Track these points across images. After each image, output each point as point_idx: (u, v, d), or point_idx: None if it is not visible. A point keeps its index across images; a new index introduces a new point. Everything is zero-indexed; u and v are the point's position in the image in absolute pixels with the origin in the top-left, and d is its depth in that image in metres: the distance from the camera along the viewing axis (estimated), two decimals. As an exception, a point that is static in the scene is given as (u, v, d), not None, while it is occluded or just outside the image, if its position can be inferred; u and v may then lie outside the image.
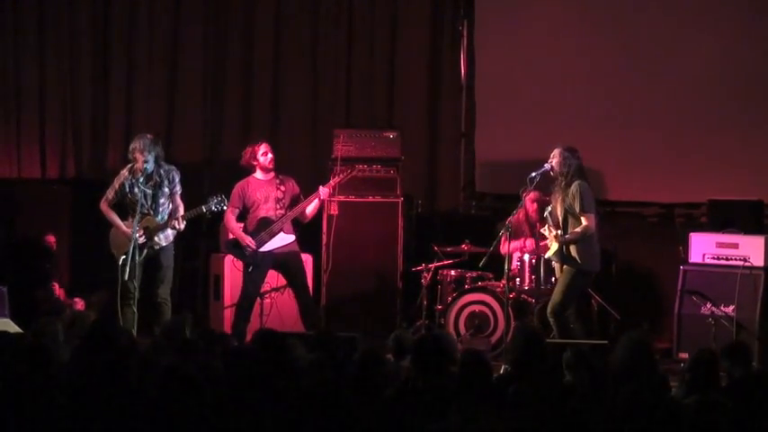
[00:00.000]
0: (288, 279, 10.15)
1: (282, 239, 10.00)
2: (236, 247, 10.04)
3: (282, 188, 10.07)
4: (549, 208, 9.41)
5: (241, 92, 12.21)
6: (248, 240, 9.95)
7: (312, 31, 12.14)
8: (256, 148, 10.12)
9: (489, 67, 11.81)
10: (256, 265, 9.98)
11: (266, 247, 9.98)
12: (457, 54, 11.96)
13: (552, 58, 11.48)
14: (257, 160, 10.07)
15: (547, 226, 9.33)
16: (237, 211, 10.07)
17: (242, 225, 10.11)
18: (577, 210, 9.18)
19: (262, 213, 10.01)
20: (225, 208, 9.77)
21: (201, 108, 12.21)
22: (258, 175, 10.11)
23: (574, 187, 9.21)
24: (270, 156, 10.10)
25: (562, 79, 11.44)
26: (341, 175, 10.50)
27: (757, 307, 9.75)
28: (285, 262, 10.04)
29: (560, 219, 9.29)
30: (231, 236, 10.11)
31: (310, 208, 10.09)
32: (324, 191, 10.07)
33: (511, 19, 11.75)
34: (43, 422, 5.38)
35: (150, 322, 9.48)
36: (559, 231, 9.23)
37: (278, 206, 10.03)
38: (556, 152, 9.35)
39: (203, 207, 9.68)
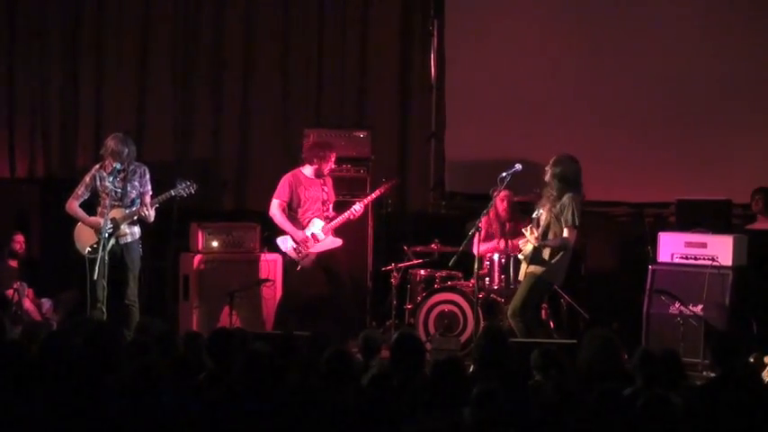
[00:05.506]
0: (328, 279, 10.37)
1: (333, 242, 10.29)
2: (287, 244, 10.22)
3: (326, 189, 10.34)
4: (540, 211, 9.28)
5: (211, 92, 12.17)
6: (303, 237, 10.17)
7: (282, 31, 12.12)
8: (330, 153, 10.31)
9: (459, 67, 11.83)
10: (303, 265, 10.21)
11: (316, 248, 10.22)
12: (427, 54, 11.97)
13: (522, 58, 11.51)
14: (324, 163, 10.27)
15: (530, 227, 9.25)
16: (285, 204, 10.25)
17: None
18: (563, 221, 9.10)
19: (310, 215, 10.26)
20: (193, 192, 9.87)
21: (171, 108, 12.17)
22: (307, 171, 10.33)
23: (566, 198, 9.13)
24: (333, 166, 10.36)
25: (531, 79, 11.46)
26: (379, 189, 10.59)
27: (725, 306, 9.79)
28: (327, 265, 10.30)
29: (543, 225, 9.21)
30: (283, 230, 10.28)
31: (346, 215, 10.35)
32: (357, 208, 10.29)
33: (481, 19, 11.77)
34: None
35: (120, 324, 9.46)
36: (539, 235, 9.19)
37: (324, 208, 10.30)
38: (559, 159, 9.22)
39: (172, 191, 9.83)
